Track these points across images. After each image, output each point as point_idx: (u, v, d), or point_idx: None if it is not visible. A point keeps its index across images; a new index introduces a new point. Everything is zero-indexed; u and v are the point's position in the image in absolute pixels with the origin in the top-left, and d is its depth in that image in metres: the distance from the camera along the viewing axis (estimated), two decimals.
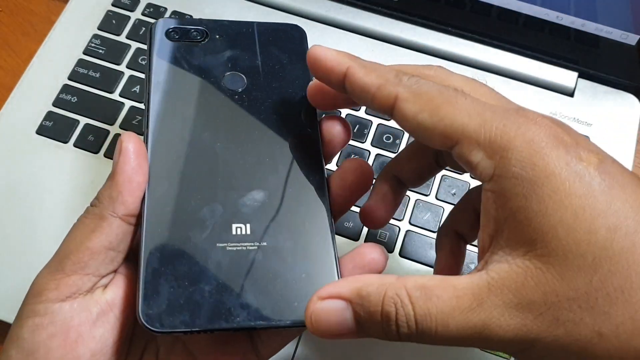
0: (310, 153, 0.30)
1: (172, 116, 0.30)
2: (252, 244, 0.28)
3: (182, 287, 0.26)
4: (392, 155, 0.43)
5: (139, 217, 0.28)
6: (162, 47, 0.33)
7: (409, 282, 0.23)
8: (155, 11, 0.48)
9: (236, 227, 0.28)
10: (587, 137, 0.25)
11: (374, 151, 0.43)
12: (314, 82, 0.30)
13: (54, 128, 0.44)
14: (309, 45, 0.30)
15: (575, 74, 0.46)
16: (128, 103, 0.45)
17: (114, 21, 0.48)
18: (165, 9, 0.48)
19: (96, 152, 0.43)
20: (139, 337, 0.29)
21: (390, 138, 0.44)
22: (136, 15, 0.48)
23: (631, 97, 0.46)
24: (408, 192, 0.41)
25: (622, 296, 0.21)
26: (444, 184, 0.42)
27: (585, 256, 0.22)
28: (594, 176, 0.22)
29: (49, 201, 0.42)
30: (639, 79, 0.45)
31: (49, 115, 0.45)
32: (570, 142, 0.23)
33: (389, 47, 0.47)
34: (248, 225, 0.28)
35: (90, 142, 0.44)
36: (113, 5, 0.49)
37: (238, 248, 0.28)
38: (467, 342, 0.23)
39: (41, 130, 0.44)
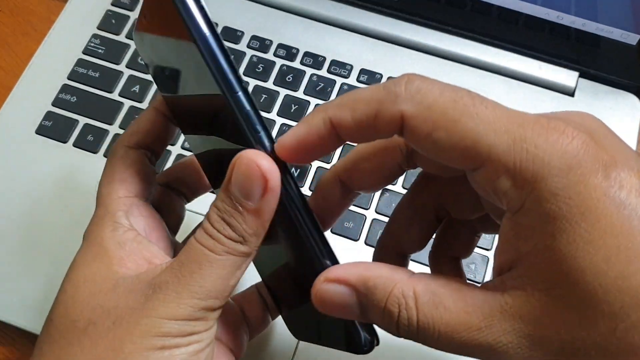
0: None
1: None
2: None
3: None
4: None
5: None
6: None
7: (420, 285, 0.22)
8: None
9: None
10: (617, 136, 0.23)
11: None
12: (282, 149, 0.24)
13: (53, 128, 0.44)
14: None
15: (576, 74, 0.46)
16: (127, 103, 0.45)
17: (113, 21, 0.48)
18: None
19: (95, 152, 0.43)
20: None
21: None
22: (136, 14, 0.48)
23: (632, 97, 0.46)
24: None
25: None
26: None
27: (613, 304, 0.20)
28: (635, 206, 0.20)
29: (48, 201, 0.41)
30: (639, 79, 0.45)
31: (49, 115, 0.44)
32: (609, 161, 0.20)
33: (389, 46, 0.47)
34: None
35: (90, 142, 0.44)
36: (112, 4, 0.48)
37: None
38: (469, 355, 0.22)
39: (41, 130, 0.44)
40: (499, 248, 0.23)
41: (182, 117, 0.28)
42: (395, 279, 0.22)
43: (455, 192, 0.27)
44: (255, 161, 0.23)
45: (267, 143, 0.24)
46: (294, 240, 0.25)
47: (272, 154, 0.24)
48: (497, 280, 0.22)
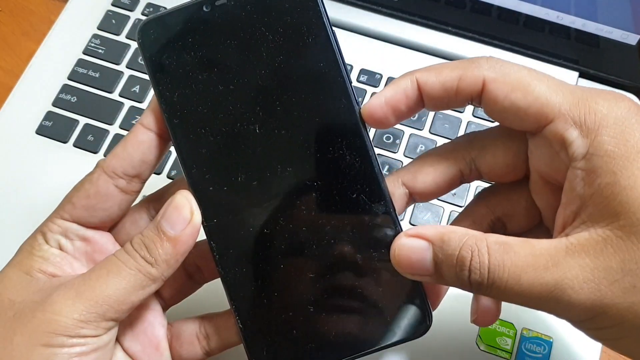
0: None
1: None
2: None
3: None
4: (393, 156, 0.43)
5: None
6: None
7: (492, 237, 0.25)
8: (155, 11, 0.48)
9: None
10: None
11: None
12: (373, 108, 0.27)
13: (53, 128, 0.44)
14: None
15: (576, 74, 0.46)
16: (128, 103, 0.45)
17: (113, 21, 0.48)
18: (165, 8, 0.48)
19: (96, 152, 0.43)
20: None
21: (390, 138, 0.44)
22: (136, 15, 0.48)
23: (632, 97, 0.46)
24: None
25: None
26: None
27: None
28: None
29: (48, 201, 0.41)
30: (639, 79, 0.45)
31: (49, 115, 0.45)
32: None
33: (389, 46, 0.47)
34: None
35: (90, 142, 0.44)
36: (113, 5, 0.48)
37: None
38: (535, 301, 0.24)
39: (41, 130, 0.44)
40: (562, 205, 0.25)
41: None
42: (469, 233, 0.25)
43: (512, 202, 0.29)
44: (188, 199, 0.27)
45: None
46: (372, 209, 0.27)
47: None
48: (562, 235, 0.25)
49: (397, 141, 0.44)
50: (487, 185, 0.31)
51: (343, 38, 0.47)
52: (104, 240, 0.29)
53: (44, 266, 0.27)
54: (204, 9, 0.27)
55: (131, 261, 0.26)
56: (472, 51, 0.47)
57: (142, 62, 0.32)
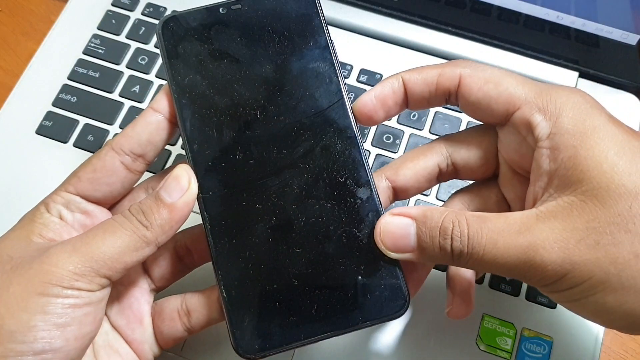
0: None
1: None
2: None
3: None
4: (393, 156, 0.43)
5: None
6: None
7: (469, 212, 0.27)
8: (155, 11, 0.48)
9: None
10: None
11: (374, 151, 0.43)
12: (364, 103, 0.30)
13: (53, 128, 0.44)
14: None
15: (576, 74, 0.46)
16: (128, 103, 0.45)
17: (113, 21, 0.48)
18: (165, 8, 0.48)
19: None
20: None
21: (390, 138, 0.44)
22: (136, 15, 0.48)
23: (631, 97, 0.46)
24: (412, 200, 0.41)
25: None
26: (445, 183, 0.42)
27: (626, 185, 0.25)
28: (629, 132, 0.27)
29: None
30: (639, 79, 0.45)
31: (49, 115, 0.45)
32: (605, 109, 0.28)
33: (389, 46, 0.47)
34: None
35: (90, 142, 0.44)
36: (113, 5, 0.48)
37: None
38: (511, 264, 0.26)
39: (41, 130, 0.44)
40: (531, 183, 0.28)
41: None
42: (448, 209, 0.28)
43: (483, 197, 0.32)
44: (187, 171, 0.29)
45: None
46: (357, 192, 0.29)
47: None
48: (532, 207, 0.28)
49: (397, 141, 0.44)
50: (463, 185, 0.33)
51: (343, 38, 0.48)
52: (103, 216, 0.30)
53: (44, 231, 0.28)
54: (221, 10, 0.31)
55: (127, 223, 0.27)
56: (472, 51, 0.47)
57: (158, 50, 0.35)
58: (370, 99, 0.30)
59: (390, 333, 0.38)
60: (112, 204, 0.31)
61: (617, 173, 0.25)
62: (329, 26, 0.32)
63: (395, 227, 0.28)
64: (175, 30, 0.31)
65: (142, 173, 0.31)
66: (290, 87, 0.30)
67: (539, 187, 0.28)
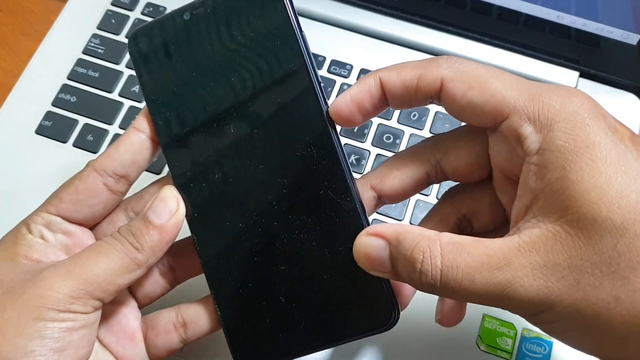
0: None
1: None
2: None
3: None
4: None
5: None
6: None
7: (445, 238, 0.25)
8: (155, 10, 0.48)
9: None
10: None
11: (374, 151, 0.43)
12: (339, 107, 0.28)
13: (53, 128, 0.44)
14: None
15: (576, 74, 0.46)
16: (127, 103, 0.45)
17: (113, 20, 0.48)
18: (165, 8, 0.48)
19: (95, 152, 0.43)
20: None
21: (390, 138, 0.44)
22: (135, 14, 0.48)
23: (632, 97, 0.46)
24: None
25: None
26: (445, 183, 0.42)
27: (614, 219, 0.23)
28: (628, 146, 0.24)
29: None
30: (639, 79, 0.45)
31: (48, 115, 0.45)
32: (605, 114, 0.25)
33: (389, 46, 0.47)
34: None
35: (90, 141, 0.44)
36: (112, 4, 0.48)
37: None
38: (489, 299, 0.24)
39: (40, 130, 0.44)
40: (517, 198, 0.26)
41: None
42: (423, 234, 0.25)
43: (476, 200, 0.30)
44: (174, 192, 0.29)
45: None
46: (339, 205, 0.28)
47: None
48: (514, 230, 0.25)
49: (398, 141, 0.44)
50: (454, 184, 0.31)
51: (343, 37, 0.48)
52: (85, 236, 0.30)
53: (29, 253, 0.28)
54: (184, 17, 0.29)
55: (119, 245, 0.27)
56: (472, 51, 0.47)
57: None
58: (346, 103, 0.28)
59: (390, 333, 0.38)
60: (93, 225, 0.31)
61: (604, 204, 0.23)
62: (300, 20, 0.29)
63: (370, 249, 0.27)
64: (142, 47, 0.30)
65: (124, 194, 0.30)
66: (263, 95, 0.29)
67: (523, 204, 0.25)
